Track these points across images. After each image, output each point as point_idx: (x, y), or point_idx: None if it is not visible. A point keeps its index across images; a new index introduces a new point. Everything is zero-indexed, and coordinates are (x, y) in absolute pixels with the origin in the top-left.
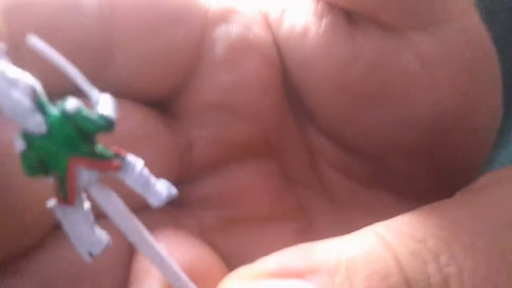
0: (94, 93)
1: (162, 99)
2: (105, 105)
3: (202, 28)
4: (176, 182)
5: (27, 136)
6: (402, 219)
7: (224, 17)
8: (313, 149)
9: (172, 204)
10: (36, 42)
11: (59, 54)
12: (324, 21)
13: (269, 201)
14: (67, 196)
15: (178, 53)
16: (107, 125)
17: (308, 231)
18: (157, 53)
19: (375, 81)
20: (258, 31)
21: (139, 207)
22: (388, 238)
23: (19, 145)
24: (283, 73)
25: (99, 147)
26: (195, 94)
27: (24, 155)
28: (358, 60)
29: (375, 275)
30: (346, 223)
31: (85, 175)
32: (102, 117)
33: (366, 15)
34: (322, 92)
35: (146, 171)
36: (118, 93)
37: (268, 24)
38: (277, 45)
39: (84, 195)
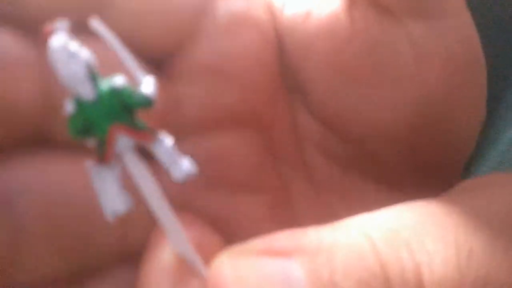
0: (140, 74)
1: (157, 56)
2: (148, 85)
3: None
4: None
5: (78, 102)
6: (380, 213)
7: None
8: (301, 130)
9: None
10: (97, 24)
11: (116, 37)
12: (326, 4)
13: (251, 171)
14: (104, 157)
15: (180, 13)
16: (147, 102)
17: (284, 208)
18: (159, 10)
19: (369, 62)
20: (259, 11)
21: None
22: (367, 228)
23: (69, 108)
24: (279, 53)
25: (138, 120)
26: (190, 56)
27: (72, 118)
28: (355, 41)
29: (353, 257)
30: (323, 206)
31: (122, 141)
32: (144, 95)
33: None
34: (318, 70)
35: (174, 148)
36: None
37: (270, 11)
38: (279, 28)
39: (117, 160)
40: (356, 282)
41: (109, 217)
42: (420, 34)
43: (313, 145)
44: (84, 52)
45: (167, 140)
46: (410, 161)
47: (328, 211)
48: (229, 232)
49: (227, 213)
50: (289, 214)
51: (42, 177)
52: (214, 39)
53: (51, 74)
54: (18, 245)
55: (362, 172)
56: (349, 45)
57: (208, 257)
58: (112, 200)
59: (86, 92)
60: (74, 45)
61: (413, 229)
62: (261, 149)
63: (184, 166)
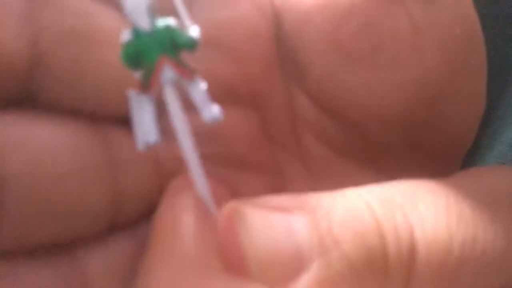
0: (189, 21)
1: None
2: (194, 31)
3: None
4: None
5: (135, 31)
6: (375, 185)
7: None
8: (297, 112)
9: None
10: None
11: None
12: None
13: (245, 148)
14: (148, 86)
15: None
16: (193, 44)
17: (280, 190)
18: None
19: (366, 40)
20: None
21: None
22: (363, 193)
23: (126, 36)
24: (276, 29)
25: (182, 59)
26: None
27: (127, 45)
28: (353, 18)
29: (350, 213)
30: (317, 191)
31: (167, 72)
32: (192, 37)
33: None
34: (315, 48)
35: (207, 92)
36: None
37: None
38: (276, 2)
39: (158, 94)
40: (353, 234)
41: (141, 146)
42: (419, 12)
43: (309, 128)
44: None
45: (203, 84)
46: (408, 147)
47: None
48: None
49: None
50: None
51: (28, 138)
52: (209, 9)
53: (39, 27)
54: (1, 208)
55: (359, 158)
56: (347, 22)
57: (220, 206)
58: (147, 130)
59: (144, 24)
60: None
61: (406, 196)
62: (256, 127)
63: (214, 109)
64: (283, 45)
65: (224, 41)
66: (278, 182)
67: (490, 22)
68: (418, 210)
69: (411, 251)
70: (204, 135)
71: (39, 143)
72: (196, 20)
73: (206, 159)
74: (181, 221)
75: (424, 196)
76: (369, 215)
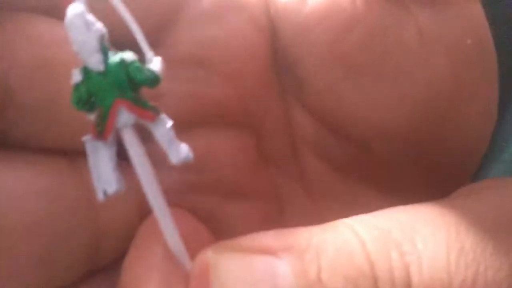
0: (150, 53)
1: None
2: (155, 64)
3: None
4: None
5: (86, 71)
6: (371, 214)
7: None
8: (295, 129)
9: None
10: (116, 2)
11: (130, 15)
12: None
13: (240, 174)
14: (104, 131)
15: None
16: (154, 80)
17: (277, 216)
18: None
19: (371, 51)
20: None
21: None
22: (356, 227)
23: (76, 77)
24: (273, 43)
25: (142, 98)
26: (172, 45)
27: (77, 87)
28: (357, 28)
29: (342, 255)
30: (317, 214)
31: (124, 116)
32: (152, 72)
33: None
34: (315, 60)
35: (173, 131)
36: None
37: None
38: (272, 14)
39: (115, 138)
40: (343, 280)
41: (99, 196)
42: (428, 20)
43: (308, 146)
44: (98, 25)
45: (168, 122)
46: (414, 163)
47: (322, 220)
48: (219, 238)
49: (216, 219)
50: (283, 222)
51: None
52: (197, 25)
53: (9, 62)
54: None
55: (361, 175)
56: (350, 32)
57: (196, 251)
58: (105, 178)
59: (96, 62)
60: (90, 17)
61: (404, 229)
62: (252, 150)
63: (182, 150)
64: (280, 58)
65: (215, 60)
66: (275, 208)
67: (497, 30)
68: (415, 247)
69: None
70: (193, 162)
71: (7, 192)
72: (183, 38)
73: (195, 188)
74: (145, 282)
75: (423, 229)
76: (362, 256)
